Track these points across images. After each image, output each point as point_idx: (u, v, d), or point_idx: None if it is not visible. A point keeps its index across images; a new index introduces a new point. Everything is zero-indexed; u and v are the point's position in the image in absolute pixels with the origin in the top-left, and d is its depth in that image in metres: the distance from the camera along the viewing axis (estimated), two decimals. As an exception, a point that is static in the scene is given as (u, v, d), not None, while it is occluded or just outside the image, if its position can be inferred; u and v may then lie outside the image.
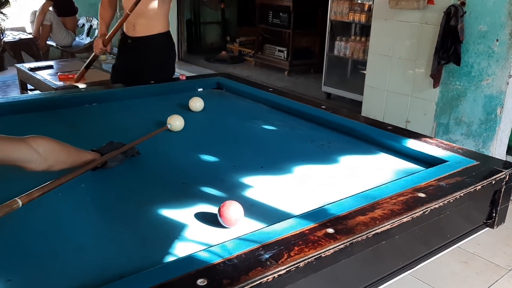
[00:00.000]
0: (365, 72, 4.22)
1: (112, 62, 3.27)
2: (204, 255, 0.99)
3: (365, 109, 4.14)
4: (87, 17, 6.73)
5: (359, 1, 4.74)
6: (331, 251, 1.03)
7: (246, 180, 1.48)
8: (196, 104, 2.16)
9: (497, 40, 3.12)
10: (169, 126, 1.83)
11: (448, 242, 1.39)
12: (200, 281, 0.90)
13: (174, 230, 1.18)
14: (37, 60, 5.99)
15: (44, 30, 6.22)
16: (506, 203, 1.49)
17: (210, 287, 0.89)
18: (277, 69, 6.37)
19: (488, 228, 1.50)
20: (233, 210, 1.17)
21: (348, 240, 1.06)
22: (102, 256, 1.08)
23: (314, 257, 1.00)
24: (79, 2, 6.64)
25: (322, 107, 2.15)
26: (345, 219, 1.14)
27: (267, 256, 0.98)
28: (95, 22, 6.52)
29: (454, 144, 1.71)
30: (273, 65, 6.44)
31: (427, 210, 1.22)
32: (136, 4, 2.59)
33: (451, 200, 1.28)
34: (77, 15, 6.63)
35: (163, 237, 1.15)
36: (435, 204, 1.24)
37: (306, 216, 1.16)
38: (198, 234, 1.16)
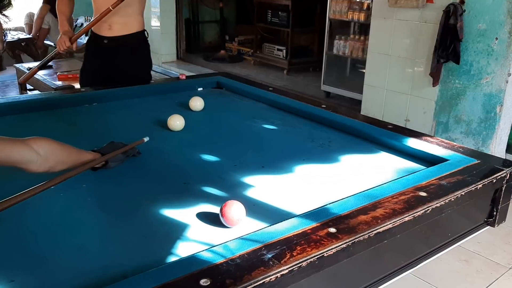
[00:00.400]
0: (364, 70, 4.22)
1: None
2: (206, 255, 0.99)
3: (364, 108, 4.14)
4: (86, 17, 6.72)
5: (358, 0, 4.74)
6: (334, 250, 1.03)
7: (247, 179, 1.48)
8: (197, 103, 2.16)
9: (497, 38, 3.12)
10: (145, 139, 1.61)
11: (449, 241, 1.39)
12: (203, 281, 0.90)
13: (176, 230, 1.18)
14: (36, 60, 5.99)
15: (43, 32, 6.26)
16: (507, 202, 1.49)
17: (213, 287, 0.89)
18: (276, 68, 6.37)
19: (488, 226, 1.51)
20: (235, 209, 1.17)
21: (350, 239, 1.06)
22: (104, 256, 1.08)
23: (316, 257, 1.00)
24: (77, 1, 6.60)
25: (322, 106, 2.15)
26: (347, 219, 1.14)
27: (269, 255, 0.98)
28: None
29: (455, 143, 1.71)
30: (272, 64, 6.43)
31: (428, 209, 1.22)
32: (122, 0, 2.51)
33: (452, 199, 1.28)
34: (72, 15, 6.62)
35: (165, 237, 1.15)
36: (437, 203, 1.24)
37: (308, 215, 1.16)
38: (200, 234, 1.16)
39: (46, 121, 1.96)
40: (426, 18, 3.49)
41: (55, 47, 2.74)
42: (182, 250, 1.08)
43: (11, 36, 6.29)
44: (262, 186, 1.44)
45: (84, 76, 2.87)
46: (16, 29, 6.80)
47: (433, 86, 3.49)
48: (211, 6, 7.47)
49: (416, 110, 3.70)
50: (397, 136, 1.77)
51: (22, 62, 5.63)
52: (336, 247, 1.03)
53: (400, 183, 1.35)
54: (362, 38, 4.77)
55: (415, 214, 1.19)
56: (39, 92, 3.85)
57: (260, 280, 0.92)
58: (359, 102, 4.31)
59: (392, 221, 1.14)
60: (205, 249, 1.02)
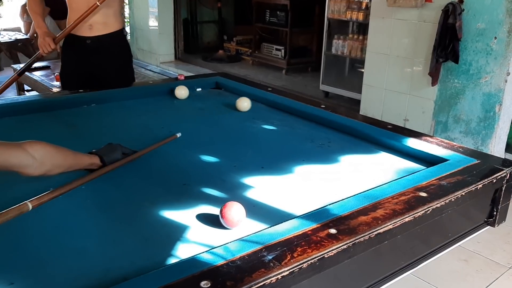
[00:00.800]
0: (363, 70, 4.22)
1: None
2: (207, 257, 0.99)
3: (363, 108, 4.15)
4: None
5: (356, -1, 4.74)
6: (334, 251, 1.02)
7: (247, 180, 1.48)
8: (181, 92, 2.31)
9: (495, 37, 3.13)
10: (178, 135, 1.78)
11: (450, 241, 1.39)
12: (204, 283, 0.90)
13: (176, 231, 1.17)
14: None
15: None
16: (507, 202, 1.49)
17: (213, 289, 0.89)
18: (274, 68, 6.37)
19: (489, 226, 1.50)
20: (235, 211, 1.17)
21: (351, 240, 1.06)
22: (104, 258, 1.07)
23: (317, 258, 0.99)
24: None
25: (322, 106, 2.15)
26: (347, 219, 1.13)
27: (270, 257, 0.98)
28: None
29: (455, 143, 1.71)
30: (271, 64, 6.44)
31: (428, 210, 1.22)
32: None
33: (453, 199, 1.28)
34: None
35: (165, 238, 1.15)
36: (437, 204, 1.24)
37: (308, 216, 1.16)
38: (200, 236, 1.16)
39: (45, 122, 1.96)
40: (425, 17, 3.49)
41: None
42: (183, 252, 1.08)
43: (8, 37, 6.28)
44: (262, 187, 1.43)
45: (66, 78, 2.82)
46: (13, 30, 6.79)
47: (432, 85, 3.50)
48: (209, 6, 7.48)
49: (415, 109, 3.71)
50: (396, 136, 1.76)
51: (20, 63, 5.63)
52: (337, 248, 1.03)
53: (400, 183, 1.34)
54: (360, 37, 4.77)
55: (416, 214, 1.19)
56: (37, 93, 3.84)
57: (261, 281, 0.91)
58: (358, 102, 4.32)
59: (392, 222, 1.14)
60: (206, 251, 1.02)
